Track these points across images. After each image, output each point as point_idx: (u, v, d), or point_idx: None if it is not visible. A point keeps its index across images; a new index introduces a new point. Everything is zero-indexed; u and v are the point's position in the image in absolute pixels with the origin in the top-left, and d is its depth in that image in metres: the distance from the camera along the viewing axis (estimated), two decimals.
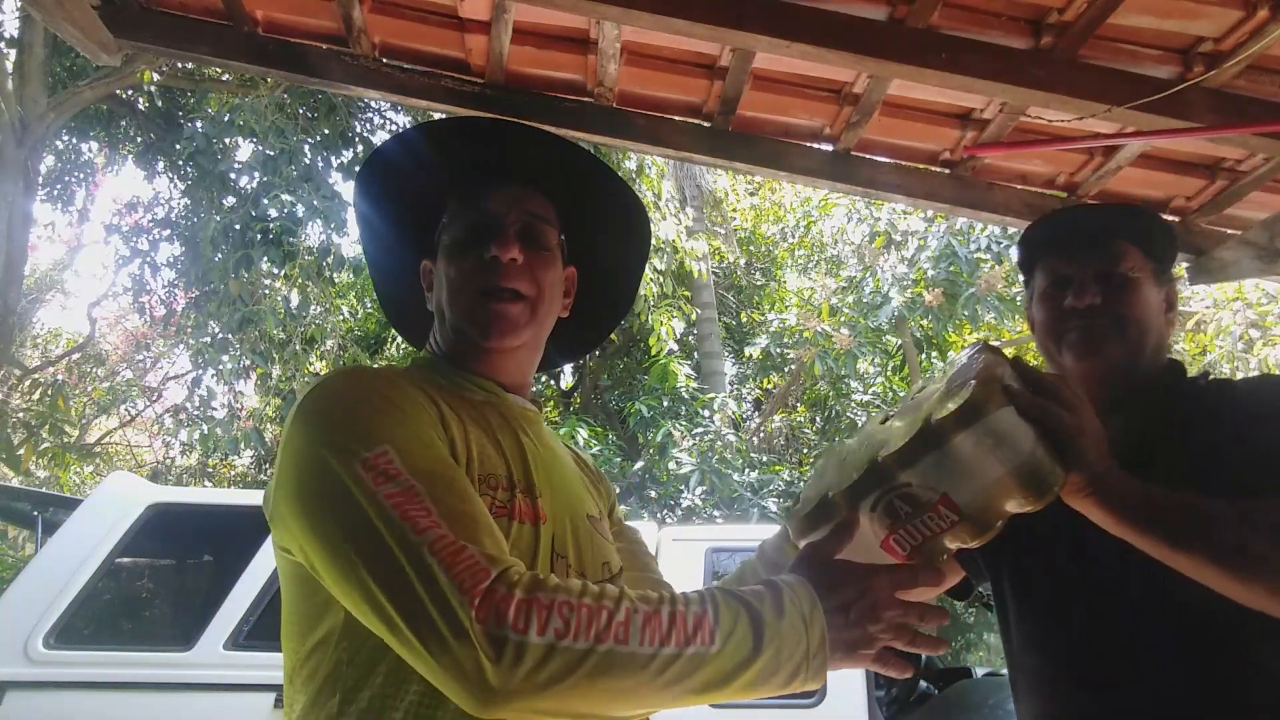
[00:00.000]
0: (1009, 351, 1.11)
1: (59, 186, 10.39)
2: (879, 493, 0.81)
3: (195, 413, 8.72)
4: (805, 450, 10.91)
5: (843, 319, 9.40)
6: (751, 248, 13.47)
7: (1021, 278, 1.33)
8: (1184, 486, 0.92)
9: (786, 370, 10.44)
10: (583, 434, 8.36)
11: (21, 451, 6.55)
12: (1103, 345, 1.13)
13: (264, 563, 3.24)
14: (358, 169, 1.13)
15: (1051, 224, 1.27)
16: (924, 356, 9.63)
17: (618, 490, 8.99)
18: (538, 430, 1.05)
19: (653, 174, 8.35)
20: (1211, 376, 1.18)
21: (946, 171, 2.40)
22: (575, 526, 0.97)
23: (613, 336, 8.95)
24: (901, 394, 9.99)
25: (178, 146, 8.44)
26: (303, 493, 0.79)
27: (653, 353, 8.75)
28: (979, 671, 4.58)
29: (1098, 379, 1.14)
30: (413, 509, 0.73)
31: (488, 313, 0.99)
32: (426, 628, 0.69)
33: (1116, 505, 0.88)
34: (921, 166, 2.41)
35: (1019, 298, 8.29)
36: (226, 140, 8.28)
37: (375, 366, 0.94)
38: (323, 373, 8.96)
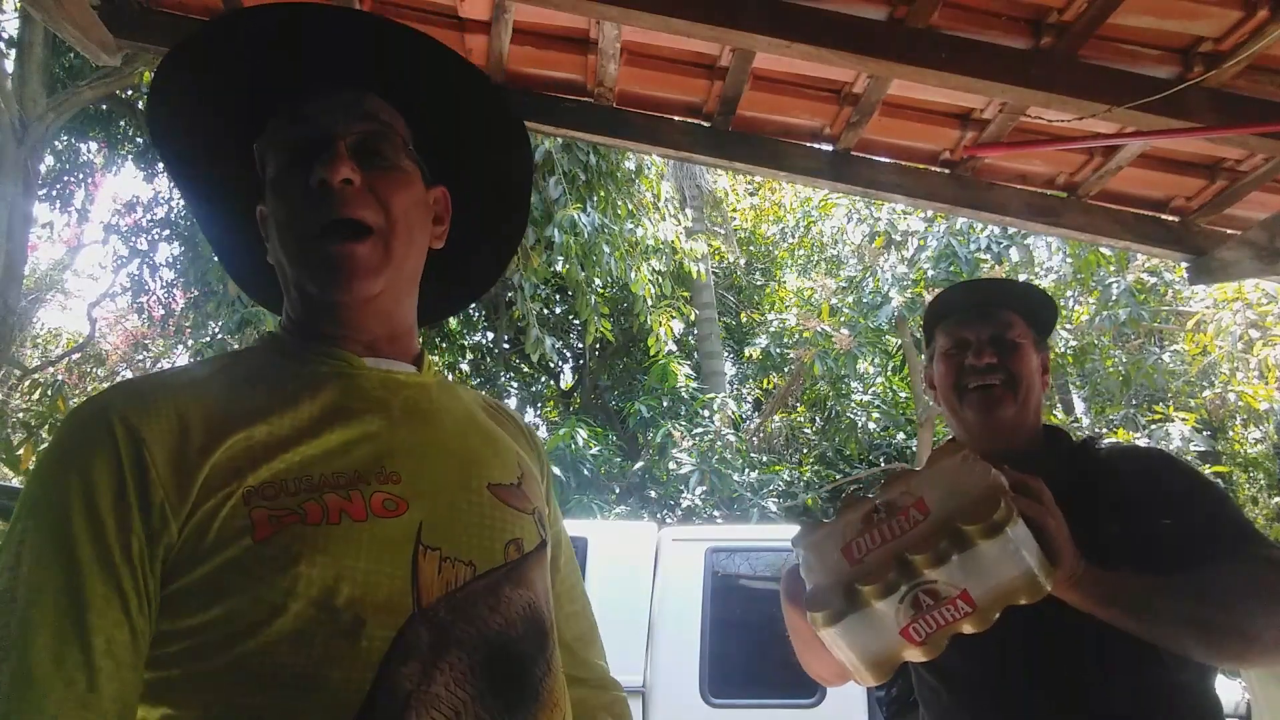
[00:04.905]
0: None
1: (58, 186, 10.39)
2: (907, 587, 0.93)
3: None
4: (805, 450, 10.91)
5: (843, 319, 9.41)
6: (751, 248, 13.48)
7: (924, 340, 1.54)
8: (1103, 539, 1.10)
9: (786, 370, 10.44)
10: (583, 434, 8.36)
11: (21, 451, 6.55)
12: (999, 405, 1.32)
13: None
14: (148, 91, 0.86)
15: (951, 295, 1.46)
16: (924, 356, 9.62)
17: (617, 490, 8.92)
18: (409, 397, 0.85)
19: (651, 174, 8.34)
20: (1095, 440, 1.40)
21: (946, 171, 2.41)
22: (455, 506, 0.80)
23: (611, 337, 8.94)
24: (902, 395, 10.00)
25: None
26: None
27: (651, 353, 8.74)
28: None
29: (993, 432, 1.33)
30: None
31: (327, 258, 0.79)
32: None
33: (1094, 596, 1.04)
34: (921, 166, 2.41)
35: None
36: None
37: (137, 382, 0.79)
38: None
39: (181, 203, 9.52)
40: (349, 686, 0.68)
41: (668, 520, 8.27)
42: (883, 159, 2.39)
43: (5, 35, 7.94)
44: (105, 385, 13.72)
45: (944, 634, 0.94)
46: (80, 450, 0.71)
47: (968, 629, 0.94)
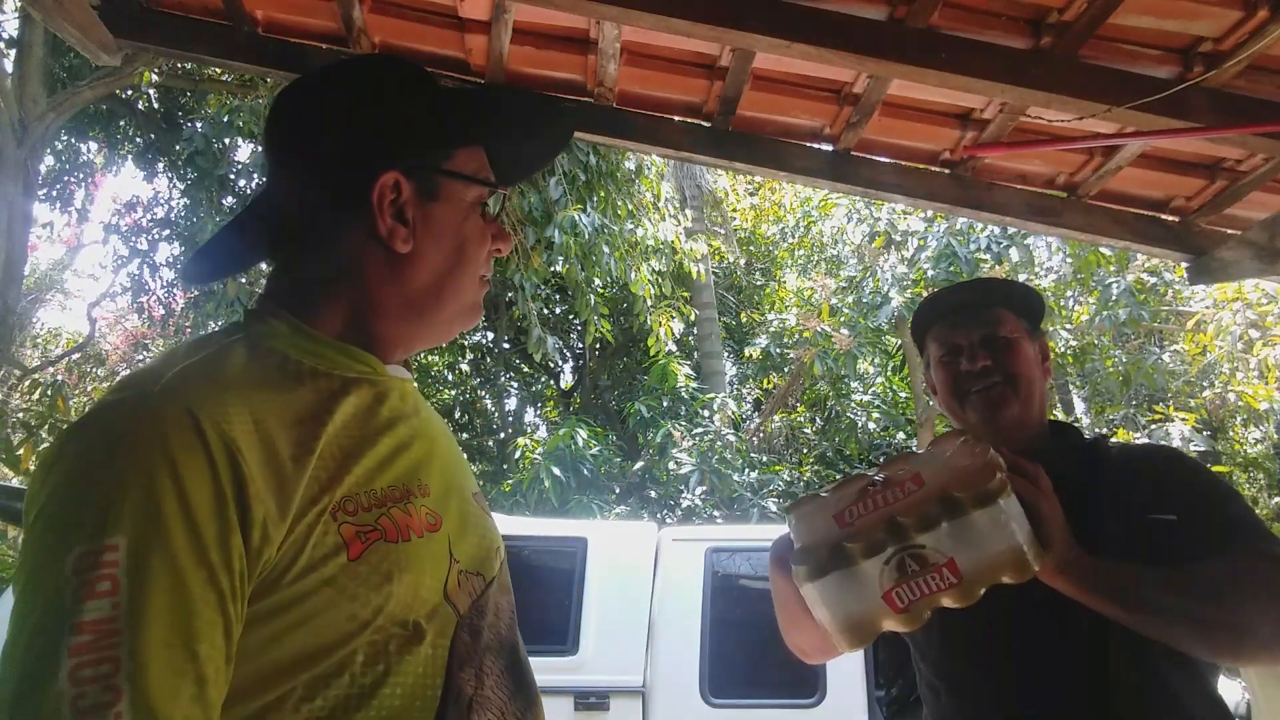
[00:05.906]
0: None
1: (58, 186, 10.38)
2: (895, 549, 0.92)
3: None
4: (805, 450, 10.91)
5: (843, 319, 9.41)
6: (751, 248, 13.48)
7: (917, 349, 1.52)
8: (1108, 534, 1.12)
9: (786, 370, 10.44)
10: (583, 434, 8.36)
11: (21, 451, 6.55)
12: (1002, 405, 1.31)
13: None
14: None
15: (936, 300, 1.46)
16: (921, 361, 9.62)
17: (617, 490, 8.91)
18: (415, 403, 0.86)
19: (651, 174, 8.34)
20: (1103, 436, 1.40)
21: (946, 171, 2.40)
22: (464, 518, 0.83)
23: (611, 337, 8.95)
24: (902, 395, 10.00)
25: (177, 147, 8.44)
26: (18, 578, 0.64)
27: (651, 353, 8.75)
28: None
29: (999, 432, 1.31)
30: (96, 666, 0.57)
31: (479, 303, 0.90)
32: None
33: (1081, 584, 1.04)
34: (921, 166, 2.41)
35: None
36: (226, 140, 8.28)
37: (185, 387, 0.69)
38: None
39: (182, 202, 9.52)
40: (422, 692, 0.71)
41: (668, 520, 8.28)
42: (883, 159, 2.38)
43: (5, 35, 7.95)
44: (107, 386, 13.73)
45: (926, 604, 0.93)
46: (168, 456, 0.64)
47: (949, 602, 0.93)
